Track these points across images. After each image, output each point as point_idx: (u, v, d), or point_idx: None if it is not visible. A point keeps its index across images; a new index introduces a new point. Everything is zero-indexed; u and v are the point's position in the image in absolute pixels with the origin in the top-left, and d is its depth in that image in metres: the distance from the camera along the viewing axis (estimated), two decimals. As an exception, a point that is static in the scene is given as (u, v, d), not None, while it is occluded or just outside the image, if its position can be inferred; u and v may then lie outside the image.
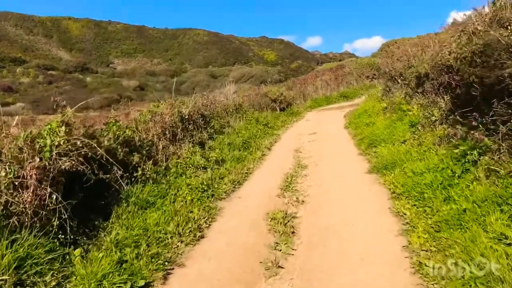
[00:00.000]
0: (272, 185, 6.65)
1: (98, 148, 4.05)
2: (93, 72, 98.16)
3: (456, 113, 6.32)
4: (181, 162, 6.30)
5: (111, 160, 4.34)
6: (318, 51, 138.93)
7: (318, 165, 8.15)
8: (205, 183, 5.79)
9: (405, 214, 4.57)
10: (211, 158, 6.93)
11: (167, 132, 6.79)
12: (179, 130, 7.05)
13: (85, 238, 3.82)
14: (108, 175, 4.48)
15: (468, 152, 4.88)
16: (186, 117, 7.64)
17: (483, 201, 3.76)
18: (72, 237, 3.67)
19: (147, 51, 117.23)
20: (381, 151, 7.84)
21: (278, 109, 17.99)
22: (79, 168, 3.77)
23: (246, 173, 7.23)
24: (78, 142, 3.95)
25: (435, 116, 7.30)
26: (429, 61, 8.15)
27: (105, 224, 4.18)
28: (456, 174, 4.79)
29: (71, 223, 3.69)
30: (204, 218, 4.85)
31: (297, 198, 5.91)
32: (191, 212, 4.91)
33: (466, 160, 4.81)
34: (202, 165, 6.44)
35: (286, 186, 6.61)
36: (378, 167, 6.95)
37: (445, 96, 7.15)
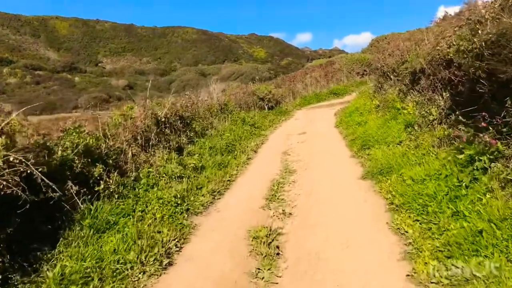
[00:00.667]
0: (256, 195, 6.00)
1: (31, 167, 3.32)
2: (82, 71, 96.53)
3: (457, 112, 5.72)
4: (153, 172, 5.60)
5: (43, 181, 3.59)
6: (308, 47, 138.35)
7: (308, 170, 7.51)
8: (179, 195, 5.10)
9: (407, 232, 3.94)
10: (189, 165, 6.24)
11: (139, 138, 6.06)
12: (152, 134, 6.31)
13: (20, 276, 3.12)
14: (56, 193, 3.76)
15: (476, 158, 4.26)
16: (163, 120, 6.93)
17: (502, 220, 3.14)
18: (2, 275, 2.97)
19: (136, 50, 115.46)
20: (375, 153, 7.24)
21: (266, 107, 17.33)
22: (8, 192, 3.06)
23: (228, 180, 6.55)
24: (11, 158, 3.24)
25: (433, 115, 6.71)
26: (425, 55, 7.54)
27: (50, 255, 3.48)
28: (464, 184, 4.17)
29: (2, 258, 3.00)
30: (174, 239, 4.16)
31: (283, 211, 5.26)
32: (160, 232, 4.22)
33: (475, 168, 4.19)
34: (178, 174, 5.74)
35: (272, 195, 5.96)
36: (372, 172, 6.33)
37: (444, 93, 6.55)
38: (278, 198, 5.81)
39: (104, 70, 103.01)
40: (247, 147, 9.32)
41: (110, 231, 4.02)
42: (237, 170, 7.28)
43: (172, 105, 7.44)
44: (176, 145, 6.84)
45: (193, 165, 6.27)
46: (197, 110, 9.56)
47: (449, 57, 6.09)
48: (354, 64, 25.59)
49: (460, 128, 5.47)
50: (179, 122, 7.42)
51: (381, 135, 8.05)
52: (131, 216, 4.38)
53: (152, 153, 6.13)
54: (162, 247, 3.93)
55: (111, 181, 4.77)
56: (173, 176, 5.65)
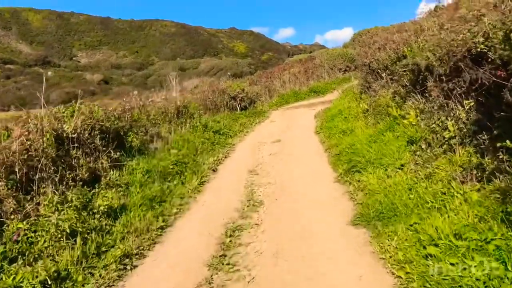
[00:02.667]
0: (197, 255, 3.98)
1: None
2: (55, 65, 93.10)
3: (496, 132, 3.84)
4: (27, 229, 3.53)
5: None
6: (289, 42, 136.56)
7: (278, 201, 5.56)
8: (52, 276, 3.02)
9: None
10: (99, 209, 4.18)
11: (17, 170, 3.93)
12: (42, 162, 4.14)
13: None
14: None
15: None
16: (72, 136, 4.82)
17: None
18: None
19: (112, 43, 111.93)
20: (369, 180, 5.34)
21: (238, 108, 15.31)
22: None
23: (160, 228, 4.50)
24: None
25: (450, 132, 4.82)
26: (433, 48, 5.64)
27: None
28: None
29: None
30: None
31: (230, 297, 3.24)
32: None
33: None
34: (69, 230, 3.63)
35: (221, 256, 3.94)
36: (368, 216, 4.40)
37: (466, 101, 4.65)
38: (228, 263, 3.79)
39: (78, 64, 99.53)
40: (204, 164, 7.28)
41: None
42: (179, 206, 5.22)
43: (90, 114, 5.31)
44: (87, 174, 4.71)
45: (105, 207, 4.19)
46: (140, 115, 7.44)
47: (478, 50, 4.17)
48: (336, 60, 23.76)
49: (502, 158, 3.58)
50: (99, 137, 5.28)
51: (375, 153, 6.14)
52: None
53: (38, 194, 4.01)
54: None
55: None
56: (60, 236, 3.56)
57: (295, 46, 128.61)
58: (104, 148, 5.26)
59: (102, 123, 5.49)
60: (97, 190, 4.64)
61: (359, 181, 5.56)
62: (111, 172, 5.17)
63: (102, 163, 5.09)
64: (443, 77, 5.28)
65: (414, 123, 6.02)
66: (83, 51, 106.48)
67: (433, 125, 5.25)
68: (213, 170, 7.19)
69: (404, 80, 6.96)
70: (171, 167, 6.43)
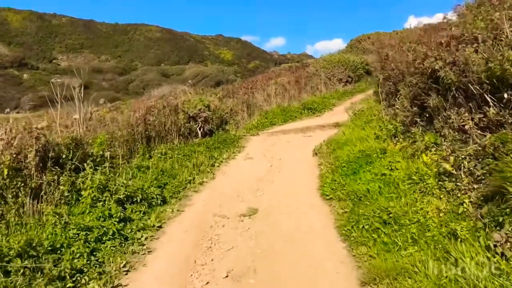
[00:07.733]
0: None
1: None
2: (33, 68, 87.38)
3: None
4: None
5: None
6: (276, 51, 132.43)
7: None
8: None
9: None
10: None
11: None
12: None
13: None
14: None
15: None
16: None
17: None
18: None
19: (94, 47, 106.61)
20: None
21: (200, 133, 10.25)
22: None
23: None
24: None
25: None
26: None
27: None
28: None
29: None
30: None
31: None
32: None
33: None
34: None
35: None
36: None
37: None
38: None
39: (58, 67, 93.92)
40: None
41: None
42: None
43: None
44: None
45: None
46: None
47: None
48: (334, 68, 18.89)
49: None
50: None
51: None
52: None
53: None
54: None
55: None
56: None
57: (282, 55, 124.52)
58: None
59: None
60: None
61: None
62: None
63: None
64: None
65: None
66: (63, 54, 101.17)
67: None
68: None
69: None
70: None
